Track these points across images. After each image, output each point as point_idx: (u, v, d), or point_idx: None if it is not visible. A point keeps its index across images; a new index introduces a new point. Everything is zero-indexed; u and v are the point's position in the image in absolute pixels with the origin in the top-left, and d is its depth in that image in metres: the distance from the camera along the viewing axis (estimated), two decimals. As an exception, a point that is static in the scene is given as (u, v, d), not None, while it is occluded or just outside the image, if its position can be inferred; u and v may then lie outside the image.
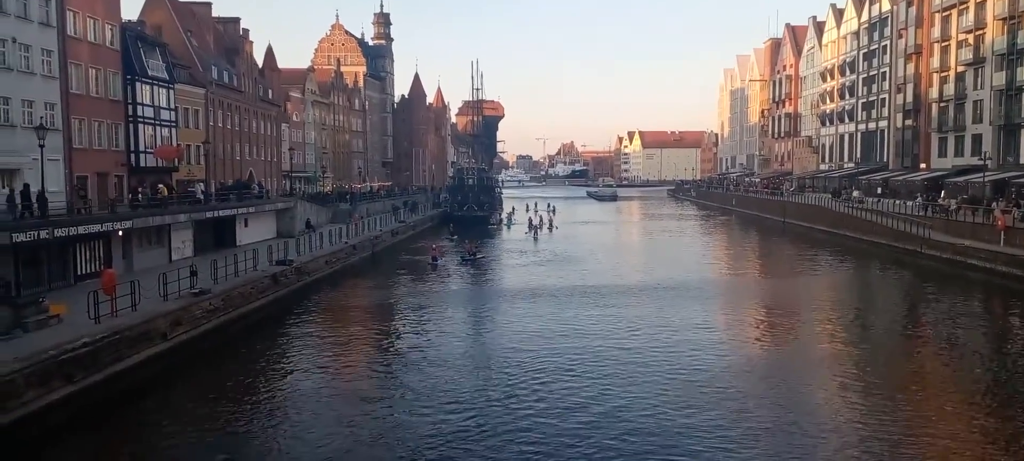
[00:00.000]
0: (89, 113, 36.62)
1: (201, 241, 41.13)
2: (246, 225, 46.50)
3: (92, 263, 31.65)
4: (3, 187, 30.41)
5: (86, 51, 36.25)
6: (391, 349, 27.08)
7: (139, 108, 40.72)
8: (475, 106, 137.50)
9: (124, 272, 31.07)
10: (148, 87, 41.65)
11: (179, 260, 36.96)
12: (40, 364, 18.71)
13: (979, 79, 60.86)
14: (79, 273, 30.76)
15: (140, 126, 40.91)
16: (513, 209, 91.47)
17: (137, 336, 22.93)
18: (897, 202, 57.49)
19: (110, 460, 16.91)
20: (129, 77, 40.03)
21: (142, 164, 41.14)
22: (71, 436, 17.86)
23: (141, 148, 41.00)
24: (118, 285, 24.26)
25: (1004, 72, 56.09)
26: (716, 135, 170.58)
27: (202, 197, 43.65)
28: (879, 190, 66.54)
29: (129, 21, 44.22)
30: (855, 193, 64.71)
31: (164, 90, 43.44)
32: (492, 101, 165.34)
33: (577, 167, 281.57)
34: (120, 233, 33.26)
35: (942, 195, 54.03)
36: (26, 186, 28.87)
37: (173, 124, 44.63)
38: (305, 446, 17.04)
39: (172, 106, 44.40)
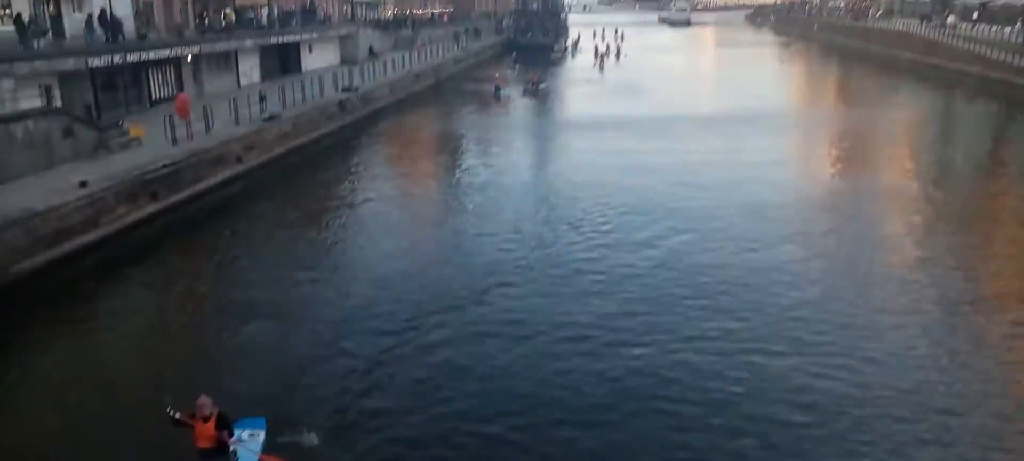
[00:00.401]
0: (151, -65, 36.11)
1: (267, 67, 41.43)
2: (310, 51, 46.45)
3: (165, 88, 32.37)
4: (75, 12, 30.78)
5: None
6: (455, 179, 27.31)
7: (200, -72, 39.92)
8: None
9: (196, 97, 31.75)
10: (207, -94, 40.59)
11: (247, 85, 37.46)
12: (127, 183, 19.70)
13: None
14: (153, 97, 31.57)
15: (202, -52, 40.27)
16: (579, 36, 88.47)
17: (214, 159, 23.76)
18: (994, 27, 53.30)
19: (196, 271, 17.92)
20: None
21: (206, -12, 40.86)
22: (159, 249, 18.98)
23: (204, -29, 40.57)
24: (191, 109, 24.87)
25: None
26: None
27: (265, 23, 43.45)
28: (975, 15, 61.59)
29: None
30: (950, 18, 60.02)
31: (224, -91, 42.30)
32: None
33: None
34: (189, 58, 33.70)
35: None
36: (103, 11, 29.15)
37: (236, -55, 43.76)
38: (374, 262, 17.74)
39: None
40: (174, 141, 23.61)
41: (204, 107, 26.42)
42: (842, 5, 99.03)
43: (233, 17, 40.63)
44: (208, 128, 25.57)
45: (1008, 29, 51.03)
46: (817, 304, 15.08)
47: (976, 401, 11.59)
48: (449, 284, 16.03)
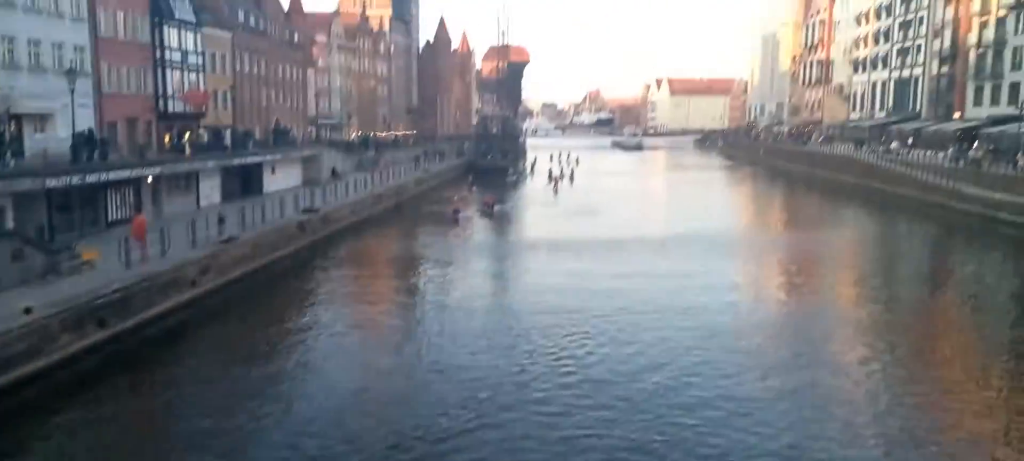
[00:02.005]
0: (118, 57, 36.78)
1: (228, 188, 41.65)
2: (273, 172, 46.94)
3: (123, 209, 32.24)
4: (37, 132, 30.92)
5: (115, -5, 36.31)
6: (414, 300, 27.44)
7: (167, 52, 40.85)
8: (501, 52, 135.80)
9: (154, 218, 31.63)
10: (175, 30, 41.68)
11: (207, 207, 37.51)
12: (74, 309, 19.28)
13: (1020, 24, 58.93)
14: (111, 219, 31.40)
15: (168, 71, 41.09)
16: (536, 159, 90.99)
17: (167, 282, 23.48)
18: (928, 153, 56.41)
19: (141, 406, 17.40)
20: (156, 20, 40.04)
21: (170, 110, 41.45)
22: (103, 381, 18.42)
23: (169, 93, 41.26)
24: (148, 231, 24.77)
25: (1047, 19, 54.27)
26: (746, 83, 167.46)
27: (228, 144, 44.01)
28: (910, 140, 65.21)
29: (155, -36, 44.17)
30: (894, 144, 63.39)
31: (191, 33, 43.48)
32: (518, 47, 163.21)
33: (602, 116, 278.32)
34: (149, 180, 33.78)
35: (975, 145, 52.86)
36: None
37: (200, 69, 44.77)
38: (331, 395, 17.42)
39: (199, 50, 44.48)
40: (128, 264, 23.36)
41: (161, 229, 26.33)
42: (786, 131, 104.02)
43: (202, 137, 41.11)
44: (164, 251, 25.40)
45: (941, 154, 54.06)
46: (765, 425, 15.25)
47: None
48: (405, 424, 15.65)
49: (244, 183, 43.82)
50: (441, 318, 24.00)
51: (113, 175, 30.38)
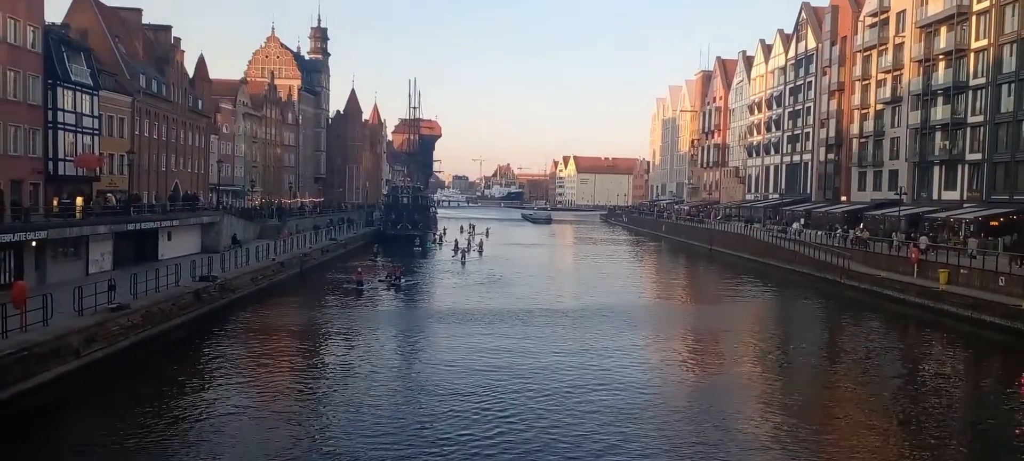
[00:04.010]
0: (5, 117, 35.06)
1: (121, 254, 39.66)
2: (169, 238, 45.07)
3: (2, 275, 30.13)
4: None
5: (4, 53, 34.73)
6: (314, 371, 26.49)
7: (60, 114, 39.20)
8: (412, 124, 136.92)
9: (36, 285, 29.69)
10: (70, 93, 40.13)
11: (97, 273, 35.52)
12: (-61, 381, 17.66)
13: (896, 117, 63.94)
14: (-13, 285, 29.21)
15: (60, 133, 39.35)
16: (445, 230, 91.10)
17: (47, 352, 21.92)
18: (819, 233, 59.72)
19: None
20: (50, 82, 38.49)
21: (61, 172, 39.52)
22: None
23: (61, 156, 39.42)
24: (29, 298, 23.14)
25: (919, 111, 59.10)
26: (648, 162, 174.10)
27: (119, 207, 42.05)
28: (802, 221, 68.97)
29: (53, 24, 42.66)
30: (795, 225, 66.75)
31: (87, 96, 41.92)
32: (429, 120, 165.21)
33: (513, 189, 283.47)
34: (34, 244, 31.80)
35: (861, 227, 56.35)
36: None
37: (96, 132, 43.08)
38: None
39: (95, 113, 42.87)
40: (4, 333, 21.69)
41: (45, 296, 24.65)
42: (687, 209, 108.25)
43: (111, 200, 39.16)
44: (46, 319, 23.74)
45: (831, 234, 57.34)
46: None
47: None
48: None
49: (139, 249, 41.86)
50: (342, 394, 23.07)
51: (-9, 238, 28.44)
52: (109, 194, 41.80)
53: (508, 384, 23.80)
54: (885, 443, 19.40)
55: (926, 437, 20.10)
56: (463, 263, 62.36)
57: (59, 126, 39.19)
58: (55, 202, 37.44)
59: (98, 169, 43.05)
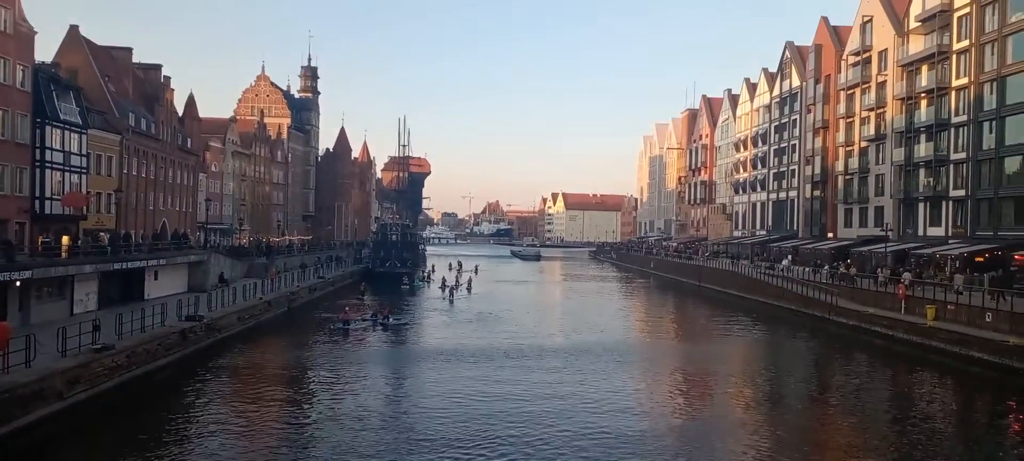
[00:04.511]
0: (-9, 156, 35.00)
1: (107, 294, 39.31)
2: (156, 278, 44.72)
3: (-15, 315, 29.74)
4: None
5: (-8, 92, 34.77)
6: (300, 413, 26.15)
7: (48, 152, 39.18)
8: (401, 162, 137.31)
9: (20, 325, 29.31)
10: (59, 131, 40.14)
11: (82, 313, 35.15)
12: (-82, 425, 17.35)
13: (880, 154, 64.71)
14: (-31, 325, 28.79)
15: (48, 171, 39.28)
16: (433, 267, 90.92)
17: (30, 394, 21.58)
18: (806, 269, 59.97)
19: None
20: (39, 120, 38.50)
21: (48, 211, 39.32)
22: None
23: (48, 194, 39.26)
24: (12, 339, 22.87)
25: (903, 148, 59.86)
26: (636, 199, 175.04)
27: (107, 246, 41.78)
28: (790, 257, 69.31)
29: (43, 62, 42.75)
30: (784, 261, 67.00)
31: (76, 135, 41.92)
32: (418, 158, 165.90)
33: (502, 226, 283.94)
34: (18, 283, 31.48)
35: (847, 263, 56.66)
36: None
37: (84, 170, 42.99)
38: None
39: (84, 152, 42.83)
40: (-14, 375, 21.38)
41: (28, 337, 24.34)
42: (674, 246, 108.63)
43: (101, 239, 38.91)
44: (28, 360, 23.41)
45: (818, 271, 57.58)
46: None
47: None
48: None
49: (124, 289, 41.48)
50: (328, 437, 22.73)
51: (-25, 278, 28.15)
52: (101, 233, 41.58)
53: (496, 430, 23.44)
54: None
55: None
56: (451, 301, 62.04)
57: (47, 165, 39.11)
58: (39, 241, 37.17)
59: (85, 208, 42.85)
